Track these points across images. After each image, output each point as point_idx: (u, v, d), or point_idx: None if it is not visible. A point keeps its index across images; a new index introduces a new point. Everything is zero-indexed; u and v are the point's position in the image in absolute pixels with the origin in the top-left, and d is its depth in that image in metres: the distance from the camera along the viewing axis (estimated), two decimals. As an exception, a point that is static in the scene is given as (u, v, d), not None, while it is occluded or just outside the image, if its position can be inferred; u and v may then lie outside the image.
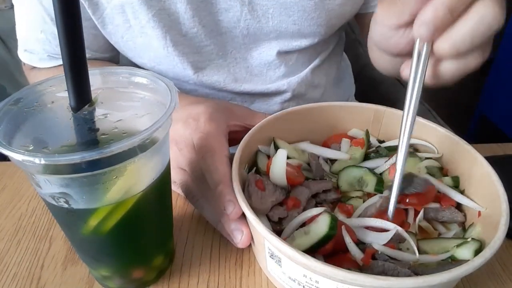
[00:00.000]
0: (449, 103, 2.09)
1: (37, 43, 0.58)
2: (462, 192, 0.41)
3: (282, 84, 0.63)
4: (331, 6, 0.57)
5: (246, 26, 0.57)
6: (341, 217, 0.40)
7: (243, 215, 0.36)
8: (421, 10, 0.30)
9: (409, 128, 0.35)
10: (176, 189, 0.45)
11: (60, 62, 0.59)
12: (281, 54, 0.61)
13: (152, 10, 0.52)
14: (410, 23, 0.32)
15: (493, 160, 0.39)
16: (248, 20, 0.56)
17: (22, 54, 0.61)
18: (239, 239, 0.37)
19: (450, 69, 0.34)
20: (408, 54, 0.35)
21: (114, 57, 0.65)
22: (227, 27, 0.57)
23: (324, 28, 0.59)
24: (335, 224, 0.33)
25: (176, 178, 0.43)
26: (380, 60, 0.53)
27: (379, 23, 0.36)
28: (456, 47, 0.31)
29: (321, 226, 0.34)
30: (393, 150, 0.46)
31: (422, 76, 0.33)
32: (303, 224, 0.37)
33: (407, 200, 0.39)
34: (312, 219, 0.36)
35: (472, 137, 1.86)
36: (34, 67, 0.62)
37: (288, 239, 0.35)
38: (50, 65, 0.60)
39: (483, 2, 0.29)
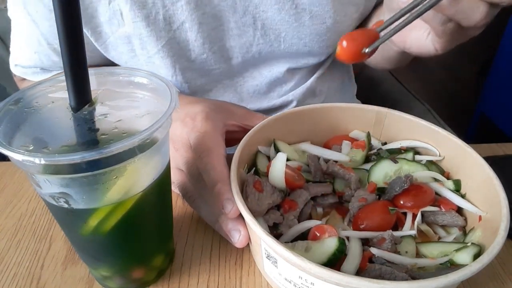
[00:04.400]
0: (449, 103, 2.09)
1: (30, 61, 0.58)
2: (463, 196, 0.41)
3: (288, 97, 0.64)
4: (341, 28, 0.57)
5: (258, 50, 0.57)
6: (337, 219, 0.40)
7: (241, 215, 0.36)
8: None
9: None
10: (174, 189, 0.45)
11: (53, 72, 0.59)
12: (290, 70, 0.62)
13: (162, 41, 0.52)
14: None
15: (493, 160, 0.39)
16: (260, 45, 0.56)
17: (14, 68, 0.61)
18: (237, 238, 0.37)
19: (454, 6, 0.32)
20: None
21: (113, 64, 0.65)
22: (239, 52, 0.57)
23: (333, 47, 0.60)
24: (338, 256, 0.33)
25: (174, 178, 0.43)
26: (378, 52, 0.54)
27: None
28: None
29: (326, 250, 0.33)
30: (394, 152, 0.46)
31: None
32: (303, 233, 0.37)
33: (401, 202, 0.39)
34: (314, 236, 0.36)
35: (472, 137, 1.86)
36: (25, 79, 0.62)
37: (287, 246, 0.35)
38: (43, 77, 0.60)
39: None
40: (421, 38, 0.40)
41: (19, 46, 0.58)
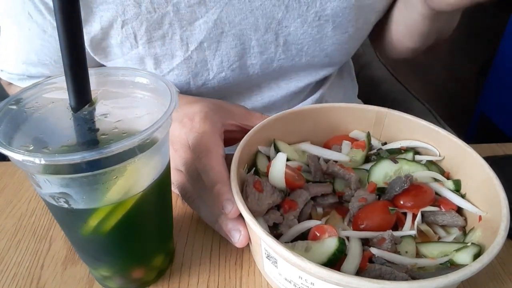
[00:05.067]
0: (449, 103, 2.09)
1: (17, 69, 0.56)
2: (463, 196, 0.41)
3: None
4: (362, 34, 0.57)
5: (279, 65, 0.56)
6: (337, 219, 0.40)
7: (241, 215, 0.36)
8: None
9: None
10: (173, 189, 0.45)
11: (39, 79, 0.58)
12: (309, 84, 0.61)
13: (177, 60, 0.51)
14: None
15: (493, 160, 0.39)
16: (281, 60, 0.55)
17: (0, 73, 0.59)
18: (237, 238, 0.37)
19: None
20: None
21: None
22: (259, 69, 0.56)
23: (351, 54, 0.60)
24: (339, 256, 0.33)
25: (173, 179, 0.43)
26: (403, 19, 0.56)
27: None
28: None
29: (326, 250, 0.33)
30: (394, 152, 0.46)
31: None
32: (303, 233, 0.37)
33: (401, 202, 0.39)
34: (314, 236, 0.36)
35: (472, 137, 1.86)
36: (12, 83, 0.60)
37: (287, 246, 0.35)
38: (30, 83, 0.59)
39: None
40: None
41: (6, 54, 0.56)
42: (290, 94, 0.61)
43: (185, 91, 0.55)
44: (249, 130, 0.42)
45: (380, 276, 0.32)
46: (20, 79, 0.58)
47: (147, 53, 0.50)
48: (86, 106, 0.30)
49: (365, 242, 0.36)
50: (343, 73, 0.72)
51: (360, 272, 0.33)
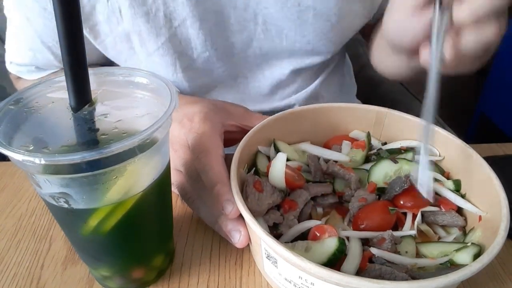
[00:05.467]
0: (449, 103, 2.08)
1: (25, 58, 0.58)
2: (463, 196, 0.41)
3: (290, 100, 0.63)
4: (345, 25, 0.56)
5: (259, 46, 0.56)
6: (337, 219, 0.40)
7: (241, 215, 0.36)
8: None
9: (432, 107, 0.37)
10: (173, 190, 0.45)
11: (48, 72, 0.59)
12: (294, 72, 0.61)
13: (162, 38, 0.51)
14: (426, 5, 0.35)
15: (493, 160, 0.39)
16: (261, 40, 0.55)
17: (9, 66, 0.61)
18: (237, 239, 0.37)
19: (470, 40, 0.35)
20: (421, 43, 0.37)
21: (112, 63, 0.65)
22: (240, 48, 0.56)
23: (338, 45, 0.59)
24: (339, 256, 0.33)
25: (173, 179, 0.43)
26: (387, 59, 0.53)
27: (397, 7, 0.38)
28: (475, 12, 0.33)
29: (326, 250, 0.33)
30: (394, 152, 0.46)
31: (438, 51, 0.35)
32: (303, 233, 0.37)
33: (401, 202, 0.39)
34: (314, 236, 0.36)
35: (472, 137, 1.86)
36: (21, 77, 0.62)
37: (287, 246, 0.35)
38: (38, 76, 0.60)
39: None
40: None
41: (14, 43, 0.58)
42: (277, 83, 0.61)
43: (171, 75, 0.55)
44: (249, 131, 0.42)
45: (380, 276, 0.32)
46: (29, 71, 0.59)
47: (133, 29, 0.51)
48: (86, 106, 0.30)
49: (365, 242, 0.36)
50: (339, 69, 0.71)
51: (360, 272, 0.33)
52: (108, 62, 0.61)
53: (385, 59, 0.55)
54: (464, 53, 0.35)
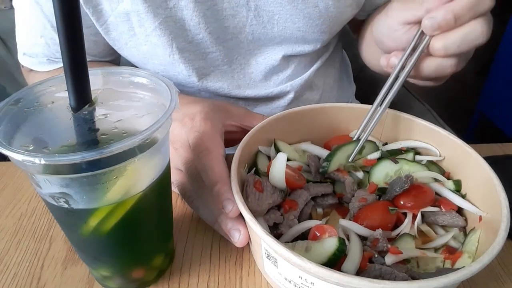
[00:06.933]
0: (449, 103, 2.09)
1: (37, 47, 0.58)
2: (463, 196, 0.41)
3: (285, 87, 0.64)
4: (333, 14, 0.57)
5: (251, 31, 0.57)
6: (337, 219, 0.40)
7: (240, 214, 0.36)
8: (435, 9, 0.38)
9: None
10: (173, 189, 0.45)
11: (59, 65, 0.59)
12: (285, 58, 0.62)
13: (159, 18, 0.52)
14: (417, 23, 0.41)
15: (493, 160, 0.39)
16: (253, 26, 0.56)
17: (22, 57, 0.62)
18: (237, 238, 0.37)
19: (430, 66, 0.41)
20: (399, 50, 0.44)
21: (115, 60, 0.65)
22: (233, 33, 0.57)
23: (327, 34, 0.60)
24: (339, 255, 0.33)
25: (173, 178, 0.43)
26: (373, 55, 0.61)
27: (393, 16, 0.44)
28: (446, 47, 0.39)
29: (326, 250, 0.33)
30: (395, 153, 0.46)
31: (411, 66, 0.42)
32: (303, 233, 0.37)
33: (402, 203, 0.39)
34: (314, 236, 0.36)
35: (472, 137, 1.86)
36: (32, 70, 0.62)
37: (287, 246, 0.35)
38: (50, 68, 0.60)
39: (478, 20, 0.37)
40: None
41: (25, 32, 0.59)
42: (270, 69, 0.62)
43: (168, 56, 0.56)
44: (249, 131, 0.42)
45: (380, 276, 0.32)
46: (40, 62, 0.60)
47: (132, 8, 0.52)
48: (86, 106, 0.30)
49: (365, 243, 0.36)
50: (334, 63, 0.72)
51: (360, 272, 0.33)
52: (111, 52, 0.62)
53: (370, 54, 0.61)
54: (423, 74, 0.42)
